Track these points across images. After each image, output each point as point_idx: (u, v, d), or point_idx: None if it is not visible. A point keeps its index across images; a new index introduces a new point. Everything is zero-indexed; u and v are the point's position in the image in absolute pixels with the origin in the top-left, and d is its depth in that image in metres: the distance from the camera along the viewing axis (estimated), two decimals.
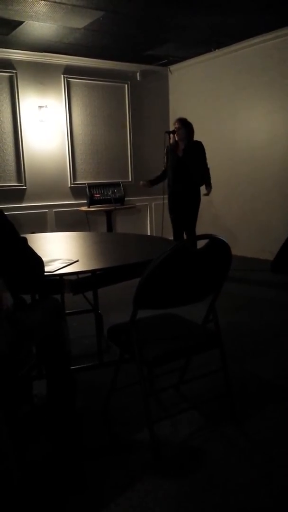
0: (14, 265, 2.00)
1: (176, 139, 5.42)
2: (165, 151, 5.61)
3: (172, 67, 7.61)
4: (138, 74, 7.41)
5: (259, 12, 5.16)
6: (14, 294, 2.00)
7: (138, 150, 7.53)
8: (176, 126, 5.39)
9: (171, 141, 5.48)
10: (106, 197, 6.67)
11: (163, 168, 5.69)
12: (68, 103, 6.84)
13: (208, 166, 5.44)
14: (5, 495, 1.74)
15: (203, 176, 5.43)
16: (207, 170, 5.45)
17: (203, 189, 5.48)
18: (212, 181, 5.47)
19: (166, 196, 5.71)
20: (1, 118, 6.33)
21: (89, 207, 6.64)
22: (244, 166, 6.70)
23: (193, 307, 2.37)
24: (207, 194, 5.51)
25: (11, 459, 1.77)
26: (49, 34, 5.61)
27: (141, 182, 5.87)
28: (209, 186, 5.47)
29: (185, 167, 5.36)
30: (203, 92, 7.19)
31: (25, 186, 6.58)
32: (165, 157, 5.59)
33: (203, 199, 5.52)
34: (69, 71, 6.78)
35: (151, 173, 7.07)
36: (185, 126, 5.37)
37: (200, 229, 5.60)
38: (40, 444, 2.25)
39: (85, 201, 6.74)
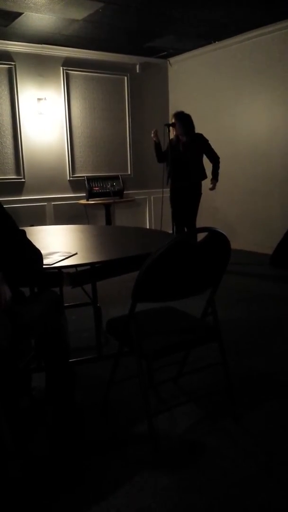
0: (13, 258, 1.99)
1: (175, 133, 5.39)
2: (166, 146, 5.56)
3: (172, 60, 7.57)
4: (137, 66, 7.37)
5: (259, 5, 5.13)
6: (12, 287, 2.00)
7: (137, 143, 7.50)
8: (174, 121, 5.36)
9: (172, 135, 5.45)
10: (105, 190, 6.65)
11: (165, 151, 5.58)
12: (67, 95, 6.80)
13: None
14: (5, 488, 1.74)
15: (213, 165, 5.41)
16: (217, 159, 5.41)
17: (203, 184, 5.47)
18: (210, 174, 5.46)
19: (165, 189, 5.70)
20: (0, 111, 6.30)
21: (88, 200, 6.62)
22: (244, 159, 6.68)
23: (192, 301, 2.36)
24: (212, 188, 5.46)
25: (11, 453, 1.77)
26: (48, 25, 5.57)
27: (154, 132, 5.44)
28: (215, 179, 5.43)
29: (185, 162, 5.34)
30: (202, 84, 7.16)
31: (24, 179, 6.56)
32: (168, 151, 5.53)
33: (204, 192, 5.51)
34: (68, 63, 6.74)
35: (150, 166, 7.09)
36: (182, 119, 5.32)
37: (199, 223, 5.60)
38: (39, 437, 2.25)
39: (84, 194, 6.73)
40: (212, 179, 5.45)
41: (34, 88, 6.51)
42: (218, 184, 5.58)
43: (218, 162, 5.44)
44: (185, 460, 2.06)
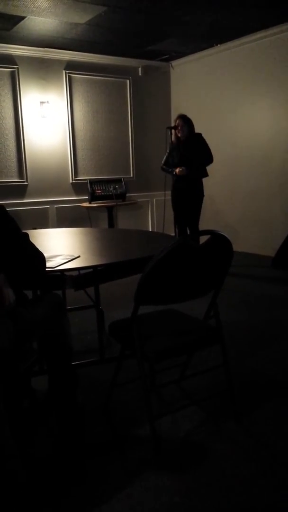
0: (16, 261, 2.00)
1: (179, 135, 5.41)
2: (168, 150, 5.55)
3: (174, 63, 7.59)
4: (140, 69, 7.38)
5: (261, 7, 5.13)
6: (16, 289, 2.01)
7: (139, 146, 7.51)
8: (179, 123, 5.37)
9: (173, 138, 5.47)
10: (107, 193, 6.66)
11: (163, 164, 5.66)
12: (70, 98, 6.82)
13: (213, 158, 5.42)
14: (6, 489, 1.74)
15: (204, 163, 5.42)
16: (209, 160, 5.41)
17: (205, 185, 5.48)
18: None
19: (167, 192, 5.70)
20: (3, 114, 6.33)
21: (90, 203, 6.63)
22: (245, 161, 6.68)
23: (194, 303, 2.37)
24: (179, 172, 5.32)
25: (14, 455, 1.77)
26: (51, 29, 5.60)
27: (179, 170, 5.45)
28: (190, 169, 5.35)
29: (187, 163, 5.35)
30: (204, 87, 7.17)
31: (27, 182, 6.58)
32: (169, 156, 5.52)
33: (206, 194, 5.52)
34: (71, 66, 6.76)
35: (152, 169, 7.11)
36: (187, 122, 5.37)
37: (201, 225, 5.61)
38: (40, 438, 2.26)
39: (87, 197, 6.74)
40: (188, 168, 5.35)
41: (37, 91, 6.54)
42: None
43: (208, 163, 5.42)
44: (187, 462, 2.07)
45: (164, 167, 5.62)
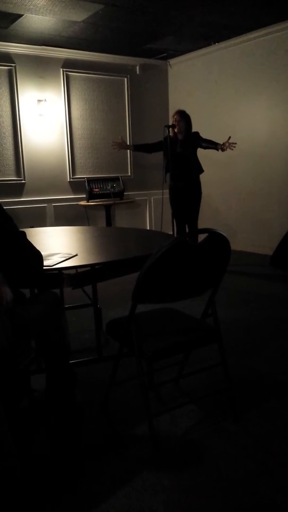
0: (13, 260, 2.00)
1: (176, 131, 5.41)
2: (162, 140, 5.50)
3: (172, 61, 7.58)
4: (137, 67, 7.38)
5: (259, 6, 5.13)
6: (13, 288, 2.00)
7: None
8: (176, 118, 5.37)
9: (171, 134, 5.45)
10: (105, 192, 6.65)
11: (154, 143, 5.64)
12: (67, 97, 6.81)
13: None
14: (5, 488, 1.74)
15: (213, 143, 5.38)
16: (217, 143, 5.35)
17: (203, 184, 5.48)
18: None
19: (165, 190, 5.70)
20: (0, 112, 6.31)
21: (88, 202, 6.62)
22: (243, 160, 6.68)
23: (192, 302, 2.37)
24: (226, 145, 5.28)
25: (12, 453, 1.77)
26: (48, 27, 5.59)
27: (119, 139, 5.65)
28: (219, 143, 5.32)
29: (184, 162, 5.35)
30: (202, 86, 7.16)
31: (24, 180, 6.56)
32: (163, 146, 5.49)
33: (204, 193, 5.52)
34: (68, 64, 6.75)
35: (150, 167, 7.11)
36: (185, 118, 5.36)
37: (199, 224, 5.61)
38: (39, 437, 2.25)
39: (84, 196, 6.73)
40: (218, 145, 5.31)
41: (34, 89, 6.52)
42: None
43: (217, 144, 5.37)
44: (185, 461, 2.07)
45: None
